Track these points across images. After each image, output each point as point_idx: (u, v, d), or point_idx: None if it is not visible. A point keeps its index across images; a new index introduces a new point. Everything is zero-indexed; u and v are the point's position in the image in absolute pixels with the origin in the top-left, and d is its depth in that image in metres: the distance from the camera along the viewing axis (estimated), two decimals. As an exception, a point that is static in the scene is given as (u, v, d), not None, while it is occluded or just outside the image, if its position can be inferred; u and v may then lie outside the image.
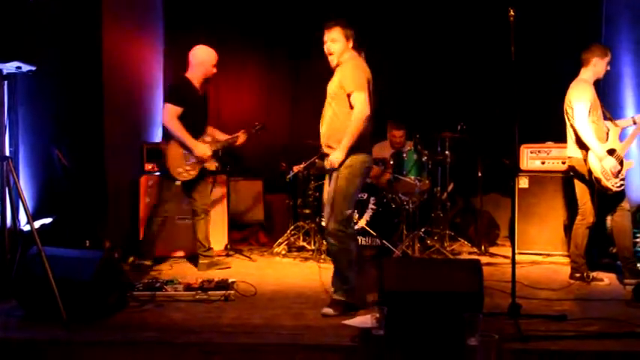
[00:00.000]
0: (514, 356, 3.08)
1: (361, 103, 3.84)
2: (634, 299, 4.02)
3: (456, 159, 6.06)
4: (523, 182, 5.94)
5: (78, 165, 5.27)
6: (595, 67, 4.76)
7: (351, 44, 3.97)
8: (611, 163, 4.60)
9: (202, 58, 5.10)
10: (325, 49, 3.97)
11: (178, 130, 4.96)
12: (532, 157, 6.01)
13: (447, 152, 5.98)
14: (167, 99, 5.05)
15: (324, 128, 4.01)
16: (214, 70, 5.15)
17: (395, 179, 5.90)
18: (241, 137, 5.34)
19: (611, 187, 4.61)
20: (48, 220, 4.92)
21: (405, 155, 5.88)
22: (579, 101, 4.62)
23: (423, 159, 5.85)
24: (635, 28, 6.22)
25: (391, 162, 5.93)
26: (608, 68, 4.83)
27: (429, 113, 6.86)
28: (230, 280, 4.45)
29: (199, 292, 4.23)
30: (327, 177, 4.14)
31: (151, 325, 3.67)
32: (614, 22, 6.47)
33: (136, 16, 6.43)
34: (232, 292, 4.27)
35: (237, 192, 6.69)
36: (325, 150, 4.02)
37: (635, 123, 4.84)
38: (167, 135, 5.05)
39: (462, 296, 3.39)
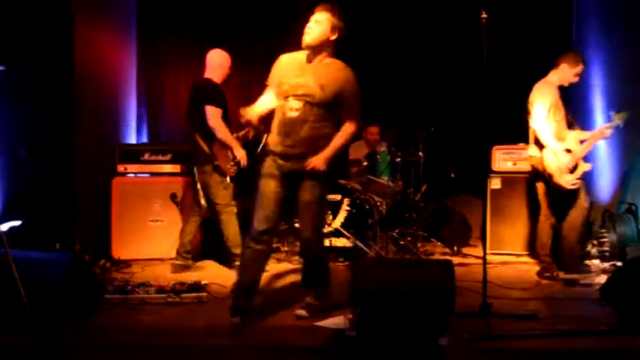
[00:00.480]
0: (485, 355, 3.12)
1: (359, 119, 3.80)
2: (601, 298, 4.08)
3: (429, 160, 6.10)
4: (495, 183, 6.01)
5: (48, 167, 5.20)
6: (562, 72, 4.86)
7: (334, 37, 3.68)
8: (565, 158, 4.72)
9: (221, 61, 5.22)
10: (305, 28, 3.64)
11: (225, 132, 5.06)
12: (504, 159, 6.07)
13: (420, 153, 6.03)
14: (209, 101, 5.03)
15: (303, 133, 3.65)
16: (229, 72, 5.30)
17: (369, 180, 5.94)
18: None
19: (564, 185, 4.72)
20: (17, 223, 4.84)
21: (378, 156, 5.93)
22: (538, 102, 4.74)
23: (397, 160, 5.89)
24: (604, 36, 6.32)
25: (365, 163, 5.95)
26: (576, 80, 4.90)
27: (403, 115, 6.91)
28: (202, 282, 4.42)
29: (171, 294, 4.19)
30: (267, 178, 3.76)
31: (122, 328, 3.64)
32: (585, 28, 6.58)
33: (109, 18, 6.36)
34: (205, 294, 4.25)
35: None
36: (290, 153, 3.69)
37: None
38: (208, 135, 5.04)
39: (434, 296, 3.40)
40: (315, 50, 3.67)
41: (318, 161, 3.63)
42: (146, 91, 7.13)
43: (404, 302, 3.40)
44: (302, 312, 3.83)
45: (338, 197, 5.73)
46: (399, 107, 7.05)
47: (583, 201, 4.88)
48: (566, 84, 4.89)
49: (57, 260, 3.88)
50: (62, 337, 3.46)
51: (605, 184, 6.22)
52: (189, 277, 4.81)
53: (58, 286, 3.64)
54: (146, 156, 5.93)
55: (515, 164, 6.06)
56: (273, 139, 3.76)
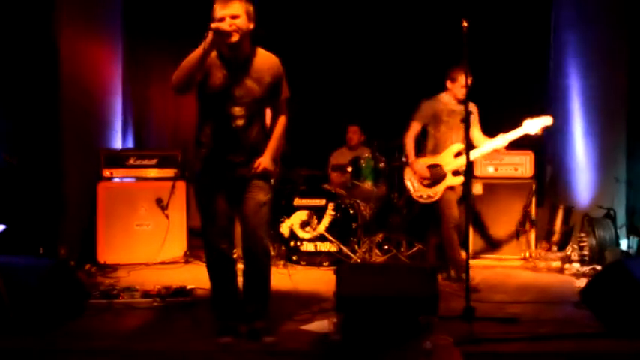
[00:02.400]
0: (468, 358, 3.16)
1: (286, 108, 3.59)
2: (581, 301, 4.16)
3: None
4: (477, 188, 6.07)
5: (33, 171, 5.18)
6: (449, 90, 5.02)
7: (252, 26, 3.32)
8: (417, 166, 5.04)
9: None
10: (223, 27, 3.19)
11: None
12: (485, 164, 6.14)
13: (403, 159, 6.07)
14: None
15: (251, 139, 3.43)
16: None
17: (353, 185, 5.99)
18: None
19: (415, 197, 5.08)
20: (1, 227, 4.82)
21: (362, 162, 5.98)
22: (412, 118, 5.11)
23: (380, 165, 5.95)
24: (581, 43, 6.43)
25: (349, 168, 6.00)
26: (462, 91, 4.80)
27: (386, 120, 6.95)
28: (188, 287, 4.44)
29: (157, 299, 4.20)
30: (209, 192, 3.48)
31: (107, 333, 3.63)
32: (562, 36, 6.68)
33: (94, 23, 6.34)
34: (190, 298, 4.26)
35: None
36: (239, 160, 3.44)
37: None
38: None
39: (417, 300, 3.46)
40: (240, 46, 3.31)
41: (266, 162, 3.43)
42: (132, 96, 7.10)
43: (388, 306, 3.44)
44: (271, 339, 3.44)
45: (323, 202, 5.77)
46: (383, 114, 7.10)
47: (449, 217, 4.92)
48: (459, 97, 4.92)
49: (40, 265, 3.86)
50: (46, 341, 3.44)
51: (584, 190, 6.32)
52: (175, 281, 4.82)
53: (41, 290, 3.63)
54: (132, 161, 5.93)
55: (496, 170, 6.13)
56: (211, 150, 3.43)
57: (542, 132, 4.74)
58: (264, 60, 3.43)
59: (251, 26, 3.31)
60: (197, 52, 3.19)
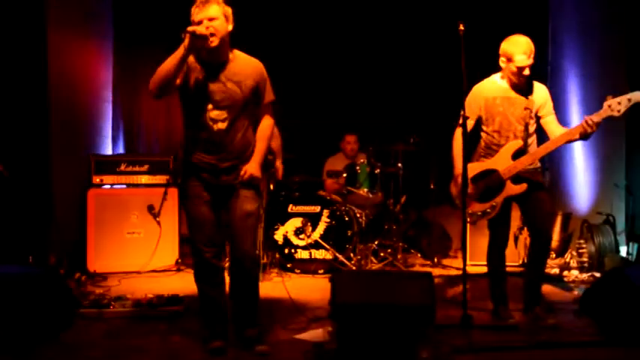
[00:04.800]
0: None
1: (273, 113, 3.52)
2: (580, 309, 4.10)
3: (408, 171, 6.10)
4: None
5: (22, 178, 5.10)
6: (503, 70, 4.01)
7: (230, 28, 3.27)
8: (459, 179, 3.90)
9: None
10: (200, 30, 3.14)
11: None
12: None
13: (399, 165, 6.03)
14: None
15: (235, 144, 3.35)
16: None
17: (348, 192, 5.93)
18: None
19: (470, 221, 4.08)
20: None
21: (358, 168, 5.92)
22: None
23: (376, 171, 5.89)
24: (579, 48, 6.40)
25: (344, 174, 5.94)
26: (520, 74, 3.88)
27: (382, 126, 6.92)
28: (180, 296, 4.36)
29: (148, 308, 4.13)
30: (195, 200, 3.39)
31: (97, 343, 3.56)
32: (560, 41, 6.66)
33: (84, 28, 6.29)
34: (182, 307, 4.18)
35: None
36: (224, 166, 3.36)
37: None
38: None
39: (414, 309, 3.38)
40: (219, 49, 3.26)
41: (253, 169, 3.35)
42: (122, 102, 7.05)
43: (384, 315, 3.37)
44: (264, 348, 3.40)
45: (317, 209, 5.71)
46: (379, 119, 7.07)
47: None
48: (515, 80, 3.95)
49: (29, 274, 3.79)
50: (35, 352, 3.37)
51: (583, 196, 6.28)
52: (167, 289, 4.74)
53: (30, 300, 3.55)
54: (122, 167, 5.85)
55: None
56: (195, 156, 3.36)
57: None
58: (245, 63, 3.39)
59: (229, 28, 3.27)
60: (174, 56, 3.15)
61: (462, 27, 3.73)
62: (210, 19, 3.18)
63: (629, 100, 3.64)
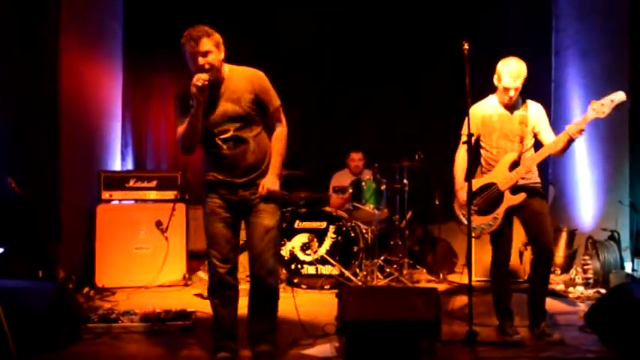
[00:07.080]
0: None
1: (283, 117, 3.51)
2: (586, 325, 4.10)
3: (414, 188, 6.14)
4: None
5: (32, 193, 5.15)
6: (497, 89, 4.09)
7: (223, 55, 3.33)
8: (460, 194, 4.09)
9: None
10: (199, 64, 3.24)
11: None
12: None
13: (405, 181, 6.07)
14: None
15: (248, 161, 3.38)
16: None
17: (354, 208, 5.96)
18: None
19: (475, 235, 4.07)
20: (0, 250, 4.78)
21: (364, 184, 5.95)
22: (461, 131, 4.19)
23: (382, 188, 5.92)
24: (582, 62, 6.45)
25: (350, 190, 5.98)
26: (505, 94, 3.98)
27: (388, 143, 6.97)
28: (189, 310, 4.39)
29: (156, 322, 4.15)
30: (213, 217, 3.46)
31: (105, 357, 3.59)
32: (564, 54, 6.70)
33: (95, 42, 6.39)
34: (191, 322, 4.21)
35: (196, 220, 6.61)
36: (240, 181, 3.40)
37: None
38: None
39: (420, 324, 3.41)
40: (216, 73, 3.30)
41: (270, 183, 3.38)
42: (132, 118, 7.13)
43: (390, 330, 3.40)
44: None
45: (324, 225, 5.74)
46: (384, 136, 7.12)
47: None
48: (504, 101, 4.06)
49: (39, 289, 3.83)
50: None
51: (588, 212, 6.29)
52: (175, 304, 4.76)
53: (40, 315, 3.59)
54: (131, 183, 5.91)
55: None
56: (212, 174, 3.43)
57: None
58: (241, 77, 3.40)
59: (222, 56, 3.32)
60: (190, 116, 3.27)
61: (466, 46, 3.77)
62: (204, 54, 3.24)
63: (612, 100, 3.72)
